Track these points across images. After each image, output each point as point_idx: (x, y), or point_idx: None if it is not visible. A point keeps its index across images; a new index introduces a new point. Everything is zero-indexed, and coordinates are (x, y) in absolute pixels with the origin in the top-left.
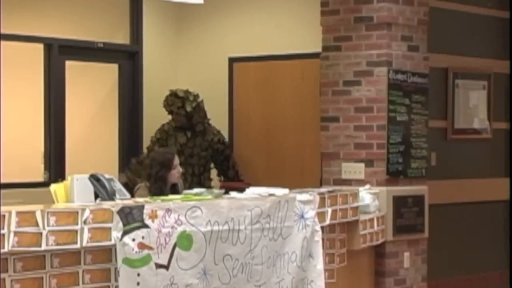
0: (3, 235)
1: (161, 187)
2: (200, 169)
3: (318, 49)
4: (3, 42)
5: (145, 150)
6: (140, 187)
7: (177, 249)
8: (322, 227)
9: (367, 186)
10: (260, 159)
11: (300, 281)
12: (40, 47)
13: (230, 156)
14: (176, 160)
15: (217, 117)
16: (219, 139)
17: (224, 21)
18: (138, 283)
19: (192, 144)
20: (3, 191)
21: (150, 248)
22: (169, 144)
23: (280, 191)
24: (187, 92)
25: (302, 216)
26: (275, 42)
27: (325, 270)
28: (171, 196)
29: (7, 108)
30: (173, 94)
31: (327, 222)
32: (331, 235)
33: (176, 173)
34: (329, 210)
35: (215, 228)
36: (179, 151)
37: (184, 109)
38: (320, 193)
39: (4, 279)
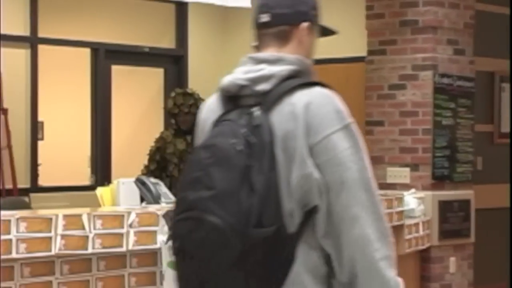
0: (50, 238)
1: None
2: None
3: (363, 53)
4: (51, 47)
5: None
6: None
7: None
8: None
9: (412, 191)
10: None
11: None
12: (87, 51)
13: None
14: None
15: None
16: None
17: None
18: None
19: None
20: (50, 194)
21: None
22: (168, 153)
23: None
24: (191, 90)
25: None
26: (319, 46)
27: None
28: None
29: (54, 112)
30: (181, 93)
31: None
32: None
33: None
34: None
35: None
36: (178, 158)
37: (196, 106)
38: None
39: (51, 282)
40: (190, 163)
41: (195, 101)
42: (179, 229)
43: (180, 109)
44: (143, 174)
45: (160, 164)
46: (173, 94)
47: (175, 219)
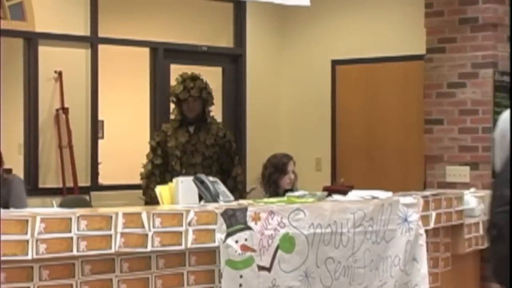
0: (110, 236)
1: (276, 191)
2: (205, 171)
3: (422, 51)
4: (111, 47)
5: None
6: (255, 189)
7: (279, 251)
8: (426, 231)
9: (472, 190)
10: (362, 161)
11: (403, 285)
12: (146, 51)
13: (234, 162)
14: (291, 166)
15: (320, 119)
16: (225, 134)
17: (327, 23)
18: (240, 285)
19: (195, 141)
20: (110, 192)
21: (253, 250)
22: (169, 147)
23: (383, 194)
24: (199, 74)
25: (405, 220)
26: (378, 44)
27: (429, 274)
28: (274, 199)
29: (114, 111)
30: (190, 77)
31: (431, 225)
32: (435, 239)
33: (287, 179)
34: (433, 213)
35: (318, 231)
36: (181, 152)
37: (207, 91)
38: (424, 196)
39: (111, 279)
40: (506, 165)
41: (205, 86)
42: (498, 219)
43: (190, 93)
44: (147, 171)
45: (164, 159)
46: (180, 79)
47: (495, 211)
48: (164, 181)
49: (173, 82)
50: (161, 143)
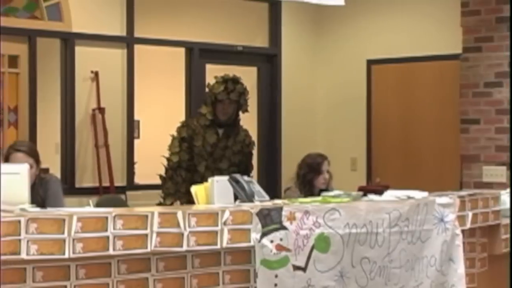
0: (146, 235)
1: (311, 191)
2: None
3: (458, 50)
4: (146, 47)
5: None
6: (290, 189)
7: (314, 251)
8: (462, 231)
9: (509, 190)
10: (398, 161)
11: (439, 285)
12: (181, 51)
13: (249, 174)
14: (326, 166)
15: (355, 119)
16: (249, 142)
17: (362, 23)
18: (275, 285)
19: (223, 145)
20: (146, 192)
21: (288, 250)
22: (196, 146)
23: (419, 194)
24: (240, 78)
25: (441, 220)
26: (413, 43)
27: (466, 274)
28: (309, 199)
29: (150, 111)
30: (231, 80)
31: (468, 226)
32: (471, 239)
33: (322, 179)
34: (470, 213)
35: (353, 230)
36: (208, 153)
37: (245, 97)
38: (460, 196)
39: (147, 278)
40: None
41: (244, 91)
42: None
43: (229, 96)
44: (173, 163)
45: (190, 155)
46: (221, 79)
47: None
48: (187, 178)
49: (209, 81)
50: (187, 139)
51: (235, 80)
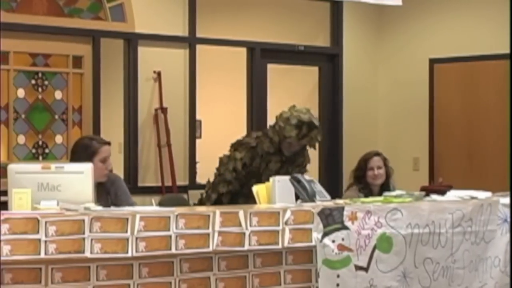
0: (208, 234)
1: (369, 189)
2: None
3: None
4: (208, 47)
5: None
6: (350, 188)
7: (376, 251)
8: None
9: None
10: (461, 161)
11: (504, 286)
12: (243, 51)
13: None
14: (375, 162)
15: (418, 118)
16: (306, 164)
17: (424, 21)
18: (337, 285)
19: (284, 172)
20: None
21: (350, 250)
22: (261, 170)
23: (482, 194)
24: (317, 120)
25: (506, 220)
26: (477, 41)
27: None
28: (370, 198)
29: (212, 111)
30: (307, 125)
31: None
32: None
33: (371, 175)
34: None
35: (416, 231)
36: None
37: (316, 140)
38: None
39: (209, 277)
40: None
41: (317, 135)
42: None
43: (300, 142)
44: (219, 191)
45: (241, 181)
46: (296, 122)
47: None
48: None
49: (272, 82)
50: (245, 160)
51: (311, 126)
